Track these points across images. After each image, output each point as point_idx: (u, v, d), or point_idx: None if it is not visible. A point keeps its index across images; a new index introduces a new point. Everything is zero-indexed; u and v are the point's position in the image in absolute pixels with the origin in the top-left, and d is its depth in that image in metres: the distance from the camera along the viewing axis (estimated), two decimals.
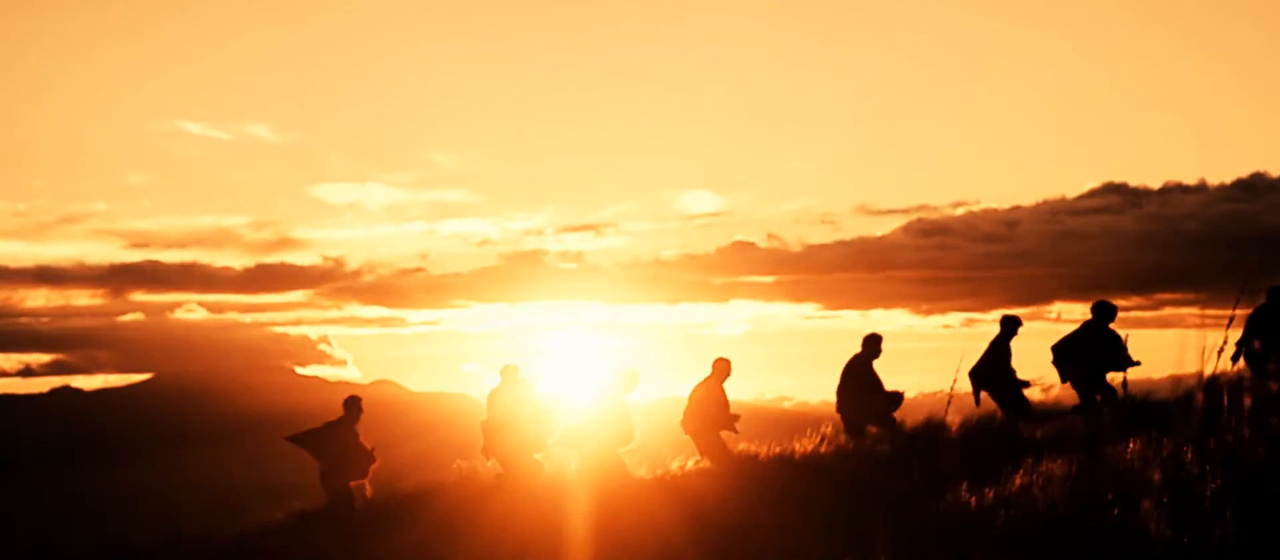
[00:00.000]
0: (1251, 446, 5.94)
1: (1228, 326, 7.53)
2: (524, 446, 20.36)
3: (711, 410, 20.33)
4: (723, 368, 20.69)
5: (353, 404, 21.34)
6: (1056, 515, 8.13)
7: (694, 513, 17.22)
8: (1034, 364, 20.80)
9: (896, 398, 20.66)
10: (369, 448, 21.13)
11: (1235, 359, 18.81)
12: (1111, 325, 20.09)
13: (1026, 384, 20.56)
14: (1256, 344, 19.35)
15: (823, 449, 20.40)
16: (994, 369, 20.52)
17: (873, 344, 20.88)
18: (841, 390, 20.78)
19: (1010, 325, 20.71)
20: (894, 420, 20.54)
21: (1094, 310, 20.21)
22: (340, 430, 21.10)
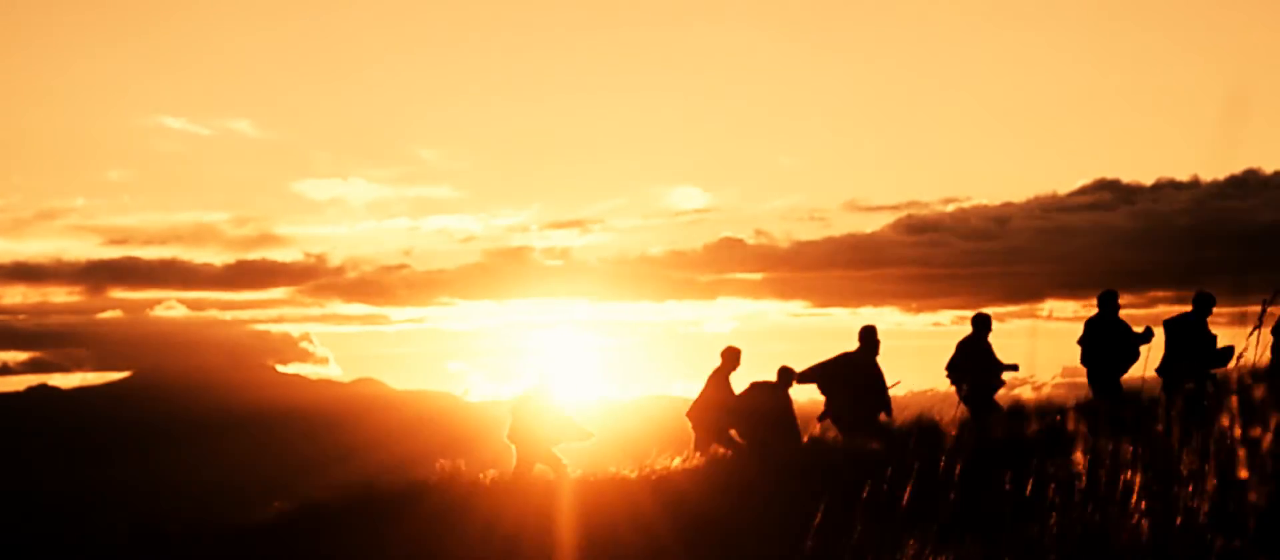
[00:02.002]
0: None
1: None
2: (546, 441, 20.44)
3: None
4: (726, 357, 20.81)
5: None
6: (1053, 515, 7.99)
7: (681, 510, 17.13)
8: (1026, 362, 20.75)
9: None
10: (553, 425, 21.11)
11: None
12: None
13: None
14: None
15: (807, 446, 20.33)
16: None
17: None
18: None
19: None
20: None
21: (1195, 301, 20.07)
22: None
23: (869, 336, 20.75)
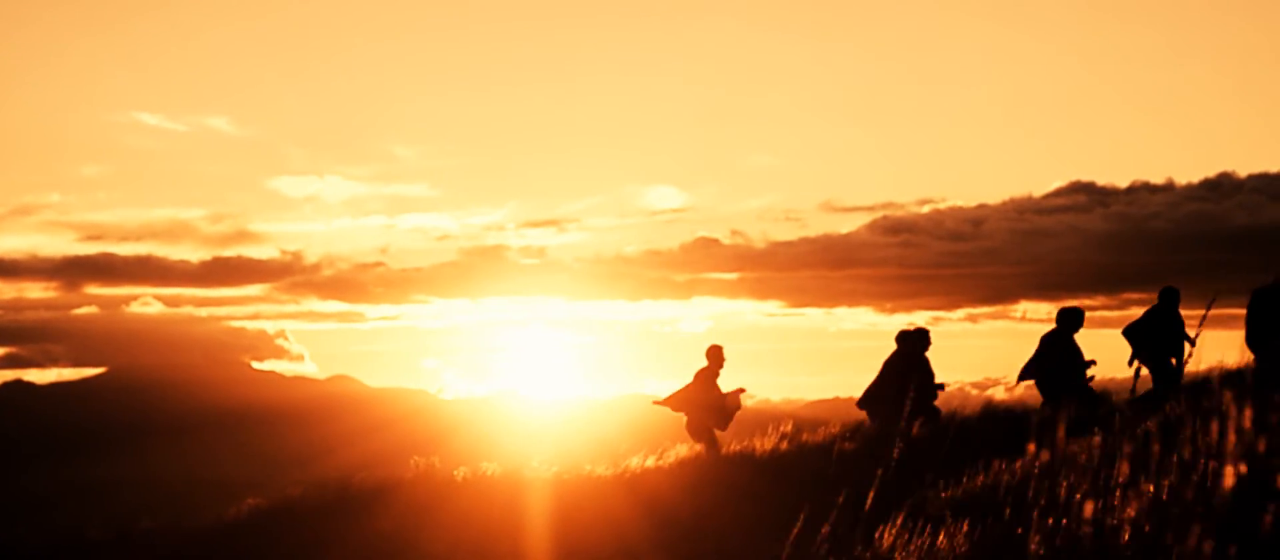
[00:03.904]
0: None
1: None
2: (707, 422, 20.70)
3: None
4: (713, 356, 20.97)
5: (715, 353, 21.28)
6: (1025, 513, 8.05)
7: (653, 510, 17.17)
8: (999, 362, 20.91)
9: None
10: (726, 396, 21.17)
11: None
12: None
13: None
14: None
15: (783, 447, 20.36)
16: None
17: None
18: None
19: (1072, 318, 20.77)
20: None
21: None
22: (703, 378, 21.15)
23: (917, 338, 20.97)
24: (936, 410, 20.66)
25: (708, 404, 20.93)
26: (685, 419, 21.04)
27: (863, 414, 20.98)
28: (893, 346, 20.82)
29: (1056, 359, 20.62)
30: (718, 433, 20.94)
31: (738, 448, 20.41)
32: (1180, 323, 20.51)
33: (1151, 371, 20.28)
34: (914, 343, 20.73)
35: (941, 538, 8.67)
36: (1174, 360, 20.42)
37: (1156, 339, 20.42)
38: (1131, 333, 20.57)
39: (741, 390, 21.07)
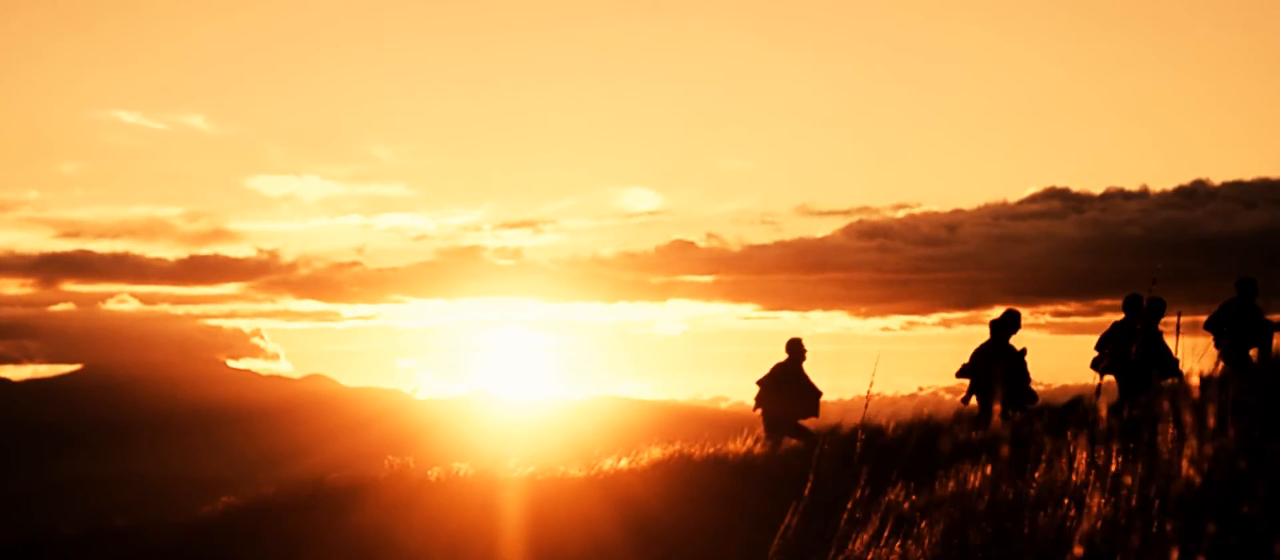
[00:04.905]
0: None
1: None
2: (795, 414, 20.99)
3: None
4: (798, 349, 21.19)
5: (796, 346, 21.32)
6: (988, 518, 8.11)
7: (627, 512, 17.20)
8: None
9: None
10: (815, 387, 21.23)
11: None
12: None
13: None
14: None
15: (757, 450, 20.42)
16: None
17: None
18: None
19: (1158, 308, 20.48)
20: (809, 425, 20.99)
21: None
22: (787, 370, 21.20)
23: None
24: (1032, 395, 20.48)
25: (808, 392, 21.16)
26: (769, 414, 21.17)
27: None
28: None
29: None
30: (804, 424, 21.17)
31: (711, 451, 20.46)
32: (1259, 312, 20.41)
33: (1229, 364, 20.03)
34: (1001, 329, 20.57)
35: (912, 543, 8.73)
36: (1254, 352, 20.32)
37: (1239, 331, 20.34)
38: (1213, 326, 20.51)
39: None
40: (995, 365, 20.26)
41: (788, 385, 21.18)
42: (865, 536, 8.97)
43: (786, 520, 8.60)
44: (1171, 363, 19.43)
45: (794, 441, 20.90)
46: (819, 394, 21.27)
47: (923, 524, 8.77)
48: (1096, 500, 5.88)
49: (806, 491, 8.96)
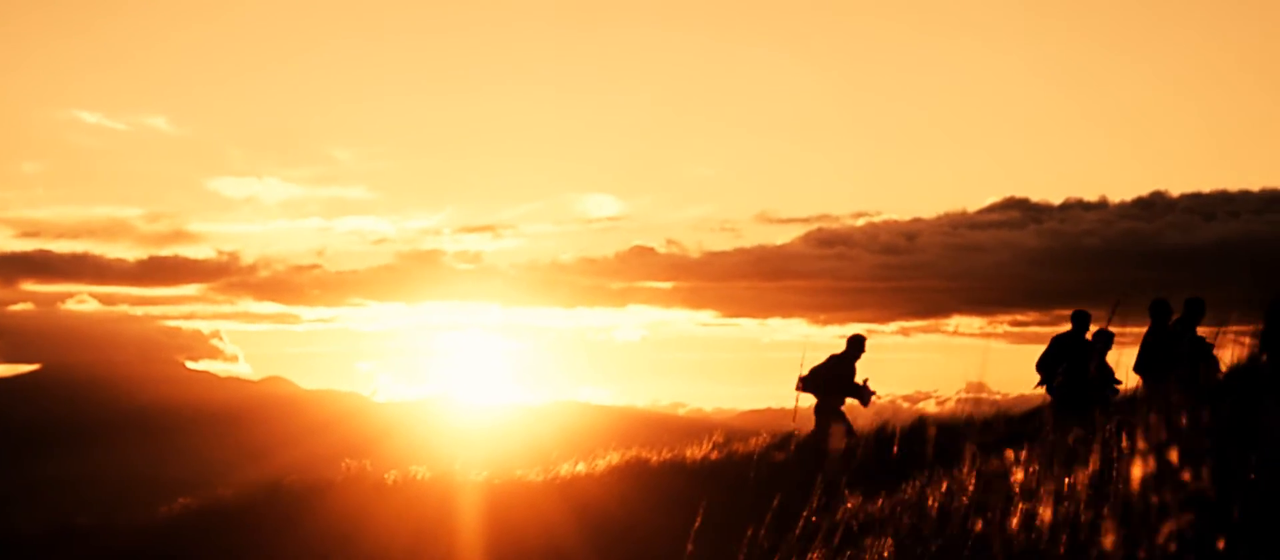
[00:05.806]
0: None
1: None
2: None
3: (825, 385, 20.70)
4: (860, 344, 21.10)
5: (857, 342, 21.21)
6: (950, 524, 8.20)
7: (584, 516, 17.27)
8: (932, 376, 21.10)
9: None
10: (864, 382, 21.08)
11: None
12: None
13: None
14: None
15: (714, 456, 20.49)
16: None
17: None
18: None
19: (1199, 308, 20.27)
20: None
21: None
22: (840, 365, 21.09)
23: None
24: (1105, 399, 20.20)
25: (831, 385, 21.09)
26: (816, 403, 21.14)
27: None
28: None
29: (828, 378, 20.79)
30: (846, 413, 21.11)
31: (668, 456, 20.52)
32: (1179, 336, 20.01)
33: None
34: (1077, 325, 20.46)
35: (867, 553, 8.81)
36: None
37: (1155, 357, 20.00)
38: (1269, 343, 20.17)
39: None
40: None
41: (830, 378, 20.95)
42: (816, 555, 9.04)
43: (750, 531, 8.67)
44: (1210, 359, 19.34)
45: (839, 428, 20.66)
46: (854, 390, 20.98)
47: (869, 540, 8.85)
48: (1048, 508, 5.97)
49: (775, 504, 9.04)
